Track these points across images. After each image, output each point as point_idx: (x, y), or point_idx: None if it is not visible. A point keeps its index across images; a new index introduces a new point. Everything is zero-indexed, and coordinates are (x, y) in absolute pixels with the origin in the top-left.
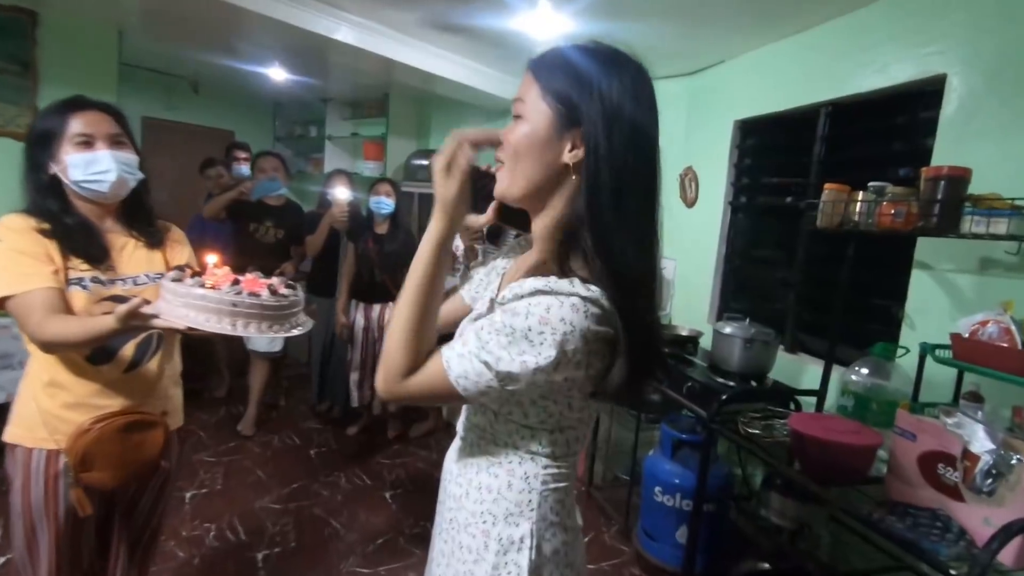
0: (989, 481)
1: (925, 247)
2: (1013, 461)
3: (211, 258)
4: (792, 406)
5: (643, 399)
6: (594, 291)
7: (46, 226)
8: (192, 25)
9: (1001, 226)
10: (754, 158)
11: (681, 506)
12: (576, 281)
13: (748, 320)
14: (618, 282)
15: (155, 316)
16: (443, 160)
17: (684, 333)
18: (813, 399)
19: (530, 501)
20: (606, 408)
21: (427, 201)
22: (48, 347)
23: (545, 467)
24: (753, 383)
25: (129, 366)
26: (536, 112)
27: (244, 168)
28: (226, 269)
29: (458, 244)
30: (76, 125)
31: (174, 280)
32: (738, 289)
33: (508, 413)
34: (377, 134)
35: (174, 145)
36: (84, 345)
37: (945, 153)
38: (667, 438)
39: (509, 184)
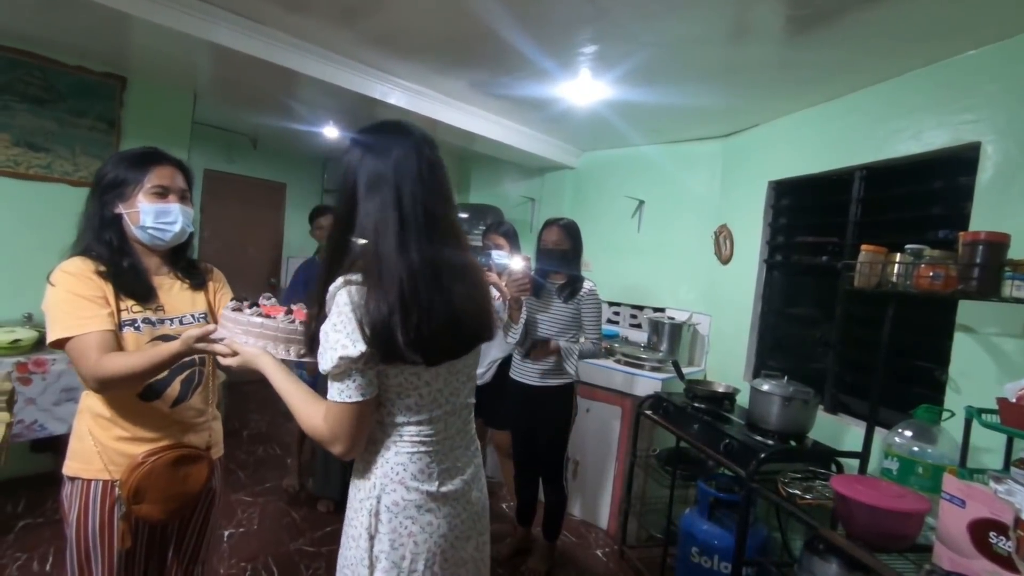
0: None
1: (967, 310)
2: None
3: (266, 295)
4: (833, 468)
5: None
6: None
7: (103, 268)
8: (258, 89)
9: None
10: (788, 218)
11: (719, 568)
12: None
13: (786, 378)
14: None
15: (221, 340)
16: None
17: (720, 390)
18: (855, 461)
19: (377, 460)
20: (640, 463)
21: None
22: (104, 385)
23: (388, 434)
24: (792, 443)
25: (175, 401)
26: None
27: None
28: (273, 300)
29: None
30: (155, 177)
31: (234, 309)
32: (775, 347)
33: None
34: None
35: (230, 195)
36: (144, 375)
37: (983, 218)
38: (704, 497)
39: None
